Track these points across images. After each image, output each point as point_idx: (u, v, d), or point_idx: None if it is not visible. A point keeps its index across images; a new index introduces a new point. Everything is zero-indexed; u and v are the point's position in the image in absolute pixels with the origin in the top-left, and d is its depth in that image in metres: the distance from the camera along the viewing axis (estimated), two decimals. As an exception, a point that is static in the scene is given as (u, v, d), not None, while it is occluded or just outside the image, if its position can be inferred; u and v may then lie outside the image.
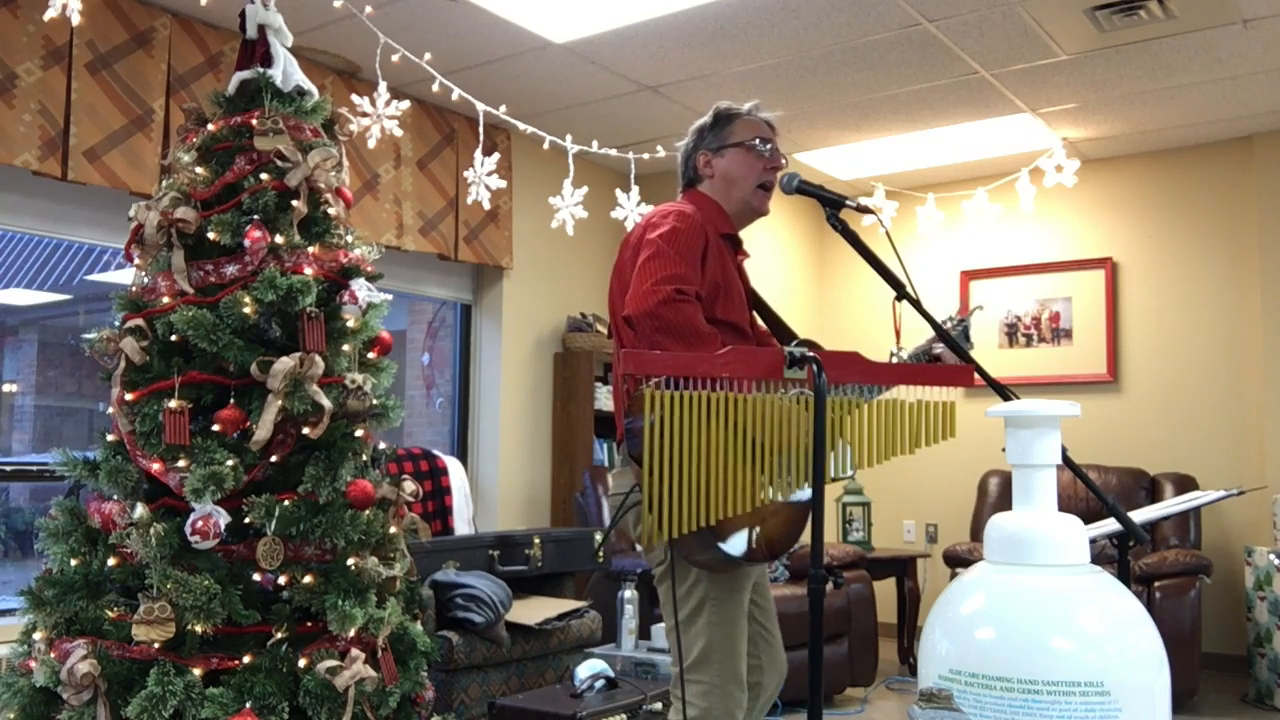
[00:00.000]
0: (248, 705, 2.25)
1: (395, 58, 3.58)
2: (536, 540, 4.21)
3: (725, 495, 1.80)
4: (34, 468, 3.97)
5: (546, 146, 4.27)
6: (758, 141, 2.42)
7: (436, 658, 2.82)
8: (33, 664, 2.38)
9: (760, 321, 2.52)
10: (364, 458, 2.60)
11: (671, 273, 2.15)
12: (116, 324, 2.53)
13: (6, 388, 4.70)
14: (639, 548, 4.73)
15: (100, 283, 4.67)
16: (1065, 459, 1.86)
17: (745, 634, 2.26)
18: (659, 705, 3.43)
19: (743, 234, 2.49)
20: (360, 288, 2.64)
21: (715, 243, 2.30)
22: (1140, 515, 2.51)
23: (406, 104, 3.60)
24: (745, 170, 2.42)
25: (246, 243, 2.52)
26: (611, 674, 3.49)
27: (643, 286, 2.14)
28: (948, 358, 2.32)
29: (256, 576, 2.40)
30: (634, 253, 2.28)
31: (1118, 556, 2.48)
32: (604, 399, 5.51)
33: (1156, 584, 4.58)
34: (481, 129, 4.20)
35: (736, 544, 2.05)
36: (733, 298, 2.34)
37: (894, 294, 2.15)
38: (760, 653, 2.40)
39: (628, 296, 2.19)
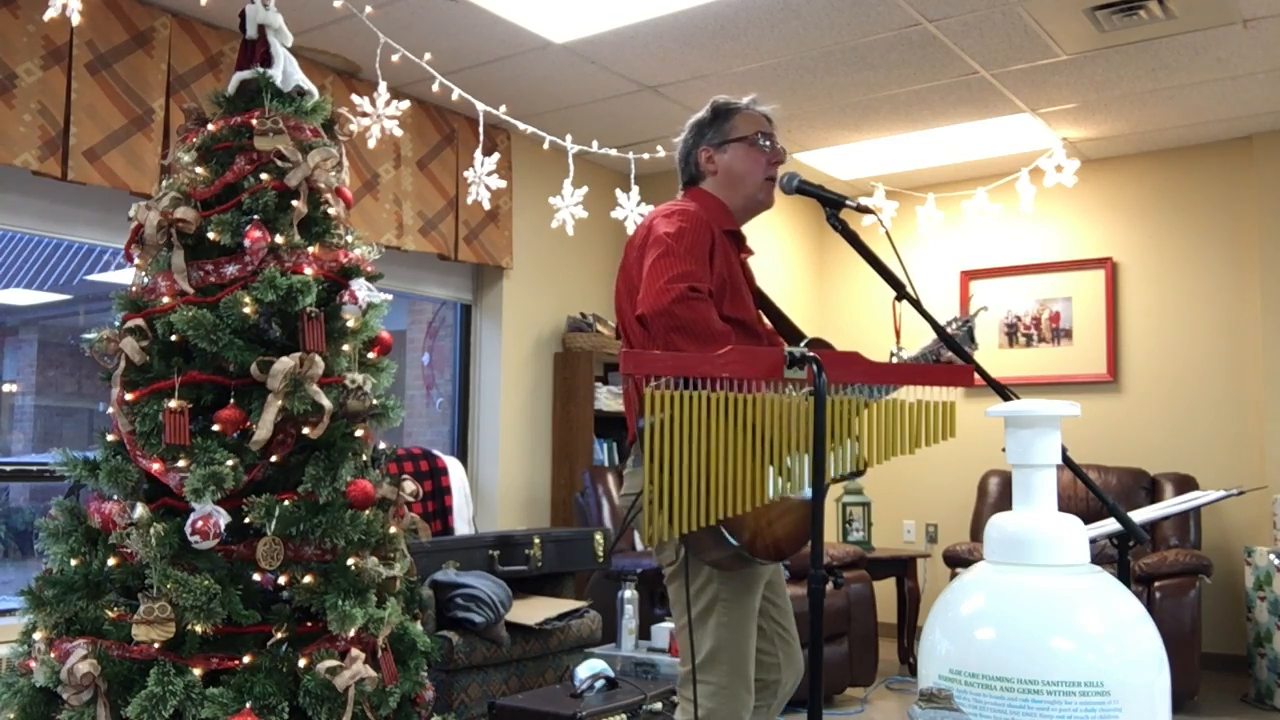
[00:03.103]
0: (248, 705, 2.25)
1: (395, 58, 3.58)
2: (536, 540, 4.21)
3: (730, 493, 1.80)
4: (34, 468, 3.97)
5: (546, 146, 4.27)
6: (760, 137, 2.42)
7: (436, 658, 2.81)
8: (33, 664, 2.38)
9: (765, 320, 2.52)
10: (364, 458, 2.60)
11: (683, 270, 2.15)
12: (116, 324, 2.53)
13: (6, 388, 4.70)
14: (640, 546, 4.74)
15: (100, 283, 4.67)
16: (1065, 459, 1.86)
17: (754, 635, 2.26)
18: (659, 705, 3.43)
19: (743, 231, 2.49)
20: (360, 288, 2.63)
21: (721, 240, 2.31)
22: (1140, 515, 2.51)
23: (406, 104, 3.60)
24: (749, 166, 2.42)
25: (246, 243, 2.52)
26: (611, 674, 3.49)
27: (655, 285, 2.14)
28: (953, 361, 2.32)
29: (256, 576, 2.40)
30: (640, 254, 2.27)
31: (1118, 556, 2.48)
32: (604, 399, 5.51)
33: (1156, 584, 4.58)
34: (481, 129, 4.20)
35: (749, 541, 2.06)
36: (740, 295, 2.34)
37: (894, 294, 2.15)
38: (778, 651, 2.40)
39: (640, 296, 2.18)
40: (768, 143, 2.43)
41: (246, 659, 2.32)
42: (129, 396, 2.42)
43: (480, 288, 5.51)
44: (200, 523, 2.30)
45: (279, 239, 2.55)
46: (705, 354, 1.82)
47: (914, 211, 5.71)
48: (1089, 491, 2.30)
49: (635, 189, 4.59)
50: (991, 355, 5.98)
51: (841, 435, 1.86)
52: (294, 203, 2.59)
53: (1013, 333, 6.03)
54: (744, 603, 2.22)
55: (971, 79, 4.62)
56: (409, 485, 2.72)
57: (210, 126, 2.70)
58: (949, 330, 2.38)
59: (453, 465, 4.62)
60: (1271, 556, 4.58)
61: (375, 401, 2.60)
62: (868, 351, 1.93)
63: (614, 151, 4.64)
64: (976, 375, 2.01)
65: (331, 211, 2.70)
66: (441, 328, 5.80)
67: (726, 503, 1.80)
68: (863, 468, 1.90)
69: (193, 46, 4.03)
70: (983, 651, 1.49)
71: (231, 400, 2.47)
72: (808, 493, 1.90)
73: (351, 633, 2.41)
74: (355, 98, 3.77)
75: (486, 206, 4.13)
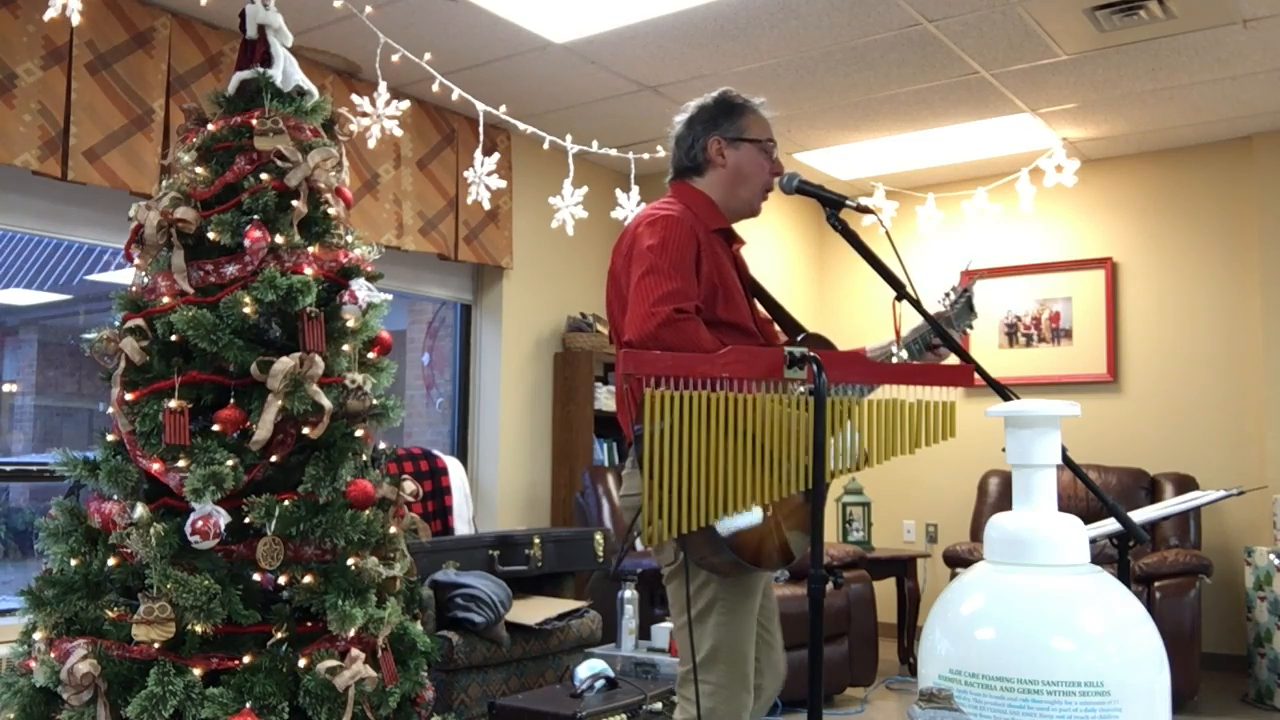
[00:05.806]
0: (248, 705, 2.25)
1: (395, 58, 3.58)
2: (536, 540, 4.21)
3: (728, 494, 1.80)
4: (34, 468, 3.97)
5: (546, 146, 4.27)
6: (770, 144, 2.42)
7: (436, 658, 2.82)
8: (33, 664, 2.38)
9: (761, 308, 2.50)
10: (364, 458, 2.60)
11: (667, 290, 2.12)
12: (116, 324, 2.53)
13: (6, 388, 4.70)
14: (639, 547, 4.73)
15: (100, 283, 4.67)
16: (1065, 459, 1.86)
17: (753, 636, 2.25)
18: (659, 705, 3.43)
19: (741, 232, 2.48)
20: (360, 288, 2.63)
21: (707, 242, 2.28)
22: (1140, 515, 2.51)
23: (406, 104, 3.60)
24: (756, 169, 2.40)
25: (246, 243, 2.52)
26: (611, 674, 3.49)
27: (640, 309, 2.11)
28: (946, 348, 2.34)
29: (256, 576, 2.40)
30: (626, 260, 2.26)
31: (1118, 556, 2.48)
32: (604, 399, 5.50)
33: (1156, 584, 4.58)
34: (481, 129, 4.20)
35: (752, 553, 2.05)
36: (732, 296, 2.32)
37: (894, 294, 2.16)
38: (760, 655, 2.39)
39: (627, 319, 2.15)
40: (773, 153, 2.43)
41: (246, 659, 2.32)
42: (129, 396, 2.42)
43: (480, 288, 5.51)
44: (200, 523, 2.30)
45: (279, 239, 2.55)
46: (704, 354, 1.82)
47: (914, 211, 5.71)
48: (1089, 491, 2.30)
49: (635, 189, 4.59)
50: (991, 355, 5.98)
51: (836, 432, 1.86)
52: (294, 203, 2.59)
53: (1013, 333, 6.02)
54: (743, 604, 2.22)
55: (971, 79, 4.62)
56: (409, 485, 2.72)
57: (210, 126, 2.70)
58: (947, 302, 2.40)
59: (453, 465, 4.62)
60: (1271, 556, 4.58)
61: (375, 401, 2.60)
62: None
63: (614, 151, 4.64)
64: (976, 375, 2.01)
65: (331, 211, 2.70)
66: (441, 328, 5.80)
67: (724, 503, 1.80)
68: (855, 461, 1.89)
69: (193, 46, 4.03)
70: (983, 651, 1.49)
71: (231, 400, 2.47)
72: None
73: (351, 633, 2.41)
74: (355, 98, 3.77)
75: (486, 206, 4.13)
